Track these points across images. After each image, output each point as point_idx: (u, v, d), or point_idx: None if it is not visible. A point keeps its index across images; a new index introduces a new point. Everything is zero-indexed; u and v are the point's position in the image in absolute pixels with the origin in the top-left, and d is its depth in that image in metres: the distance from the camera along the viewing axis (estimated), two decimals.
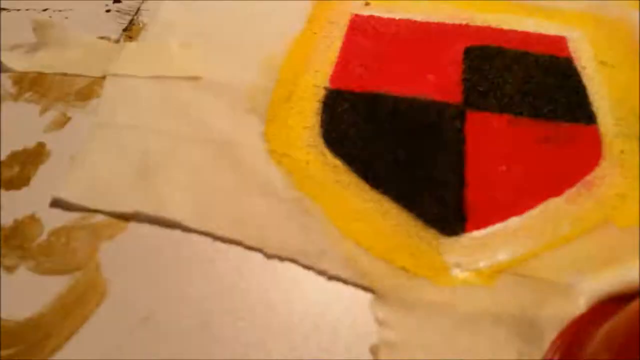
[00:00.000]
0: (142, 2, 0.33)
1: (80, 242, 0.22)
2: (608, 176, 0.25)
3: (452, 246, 0.22)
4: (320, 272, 0.22)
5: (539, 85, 0.29)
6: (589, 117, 0.28)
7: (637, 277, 0.21)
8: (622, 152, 0.26)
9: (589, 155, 0.26)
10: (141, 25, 0.32)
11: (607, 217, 0.23)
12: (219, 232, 0.22)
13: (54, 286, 0.21)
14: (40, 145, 0.26)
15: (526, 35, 0.32)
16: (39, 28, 0.30)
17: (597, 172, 0.25)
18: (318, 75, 0.29)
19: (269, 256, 0.22)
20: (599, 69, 0.30)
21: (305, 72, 0.29)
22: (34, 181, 0.24)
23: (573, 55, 0.31)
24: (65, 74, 0.29)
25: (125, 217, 0.23)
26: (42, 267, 0.21)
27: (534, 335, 0.20)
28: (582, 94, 0.29)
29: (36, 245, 0.22)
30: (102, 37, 0.31)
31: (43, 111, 0.27)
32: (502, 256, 0.22)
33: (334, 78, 0.29)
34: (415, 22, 0.33)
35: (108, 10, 0.33)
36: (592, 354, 0.19)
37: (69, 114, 0.27)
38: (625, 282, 0.21)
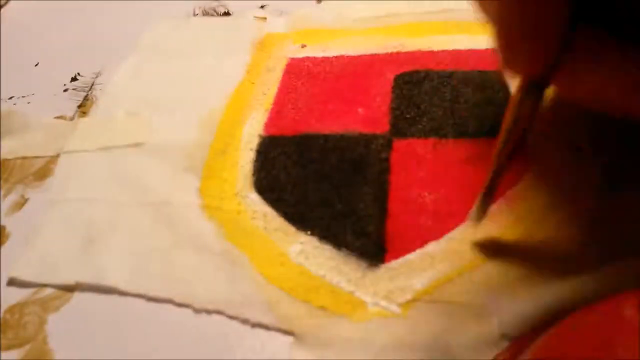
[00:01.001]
0: (96, 78, 0.36)
1: (31, 317, 0.24)
2: (531, 188, 0.25)
3: (370, 279, 0.23)
4: (244, 321, 0.23)
5: (466, 104, 0.30)
6: None
7: (551, 294, 0.21)
8: (548, 160, 0.26)
9: (513, 169, 0.26)
10: (94, 99, 0.34)
11: (527, 232, 0.24)
12: (151, 293, 0.24)
13: None
14: (2, 229, 0.28)
15: (456, 54, 0.33)
16: (2, 118, 0.33)
17: (521, 185, 0.25)
18: (254, 124, 0.31)
19: (197, 310, 0.23)
20: None
21: (241, 123, 0.31)
22: None
23: None
24: (25, 157, 0.31)
25: (69, 289, 0.25)
26: None
27: None
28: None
29: None
30: (59, 117, 0.34)
31: (5, 195, 0.30)
32: (418, 284, 0.23)
33: (267, 125, 0.30)
34: (347, 57, 0.34)
35: (66, 90, 0.35)
36: None
37: (27, 195, 0.29)
38: (540, 303, 0.21)
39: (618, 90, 0.19)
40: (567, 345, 0.17)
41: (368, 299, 0.23)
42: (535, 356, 0.18)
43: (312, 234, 0.25)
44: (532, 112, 0.21)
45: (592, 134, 0.26)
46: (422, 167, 0.27)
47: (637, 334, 0.15)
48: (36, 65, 0.38)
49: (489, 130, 0.28)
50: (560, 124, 0.27)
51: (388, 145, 0.28)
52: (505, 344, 0.21)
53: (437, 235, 0.24)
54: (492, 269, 0.23)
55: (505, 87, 0.30)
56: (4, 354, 0.23)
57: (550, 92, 0.28)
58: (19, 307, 0.25)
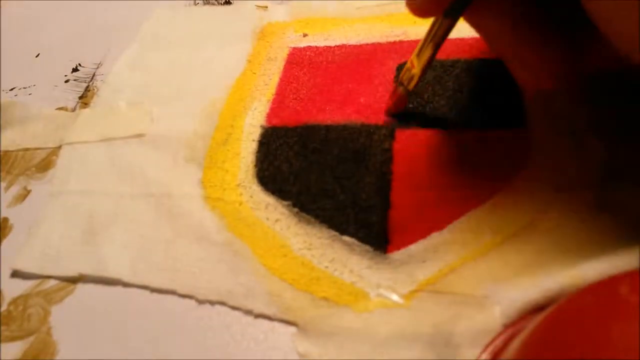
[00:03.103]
0: (97, 68, 0.36)
1: (35, 309, 0.24)
2: (535, 178, 0.25)
3: (373, 270, 0.23)
4: (247, 312, 0.23)
5: (469, 93, 0.29)
6: (519, 118, 0.28)
7: (553, 282, 0.21)
8: (552, 149, 0.26)
9: (516, 158, 0.26)
10: (95, 90, 0.34)
11: (532, 221, 0.24)
12: (154, 284, 0.24)
13: (10, 352, 0.23)
14: (5, 221, 0.28)
15: (460, 42, 0.32)
16: (3, 110, 0.33)
17: (524, 174, 0.25)
18: (255, 115, 0.31)
19: (201, 302, 0.23)
20: None
21: (243, 113, 0.31)
22: None
23: None
24: (27, 149, 0.31)
25: (72, 280, 0.25)
26: (3, 336, 0.24)
27: (449, 352, 0.20)
28: (513, 95, 0.29)
29: None
30: (60, 108, 0.33)
31: (7, 187, 0.30)
32: (421, 274, 0.23)
33: (269, 115, 0.30)
34: (349, 46, 0.33)
35: (67, 81, 0.35)
36: None
37: (29, 187, 0.29)
38: (542, 290, 0.21)
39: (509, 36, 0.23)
40: (564, 325, 0.17)
41: (371, 289, 0.23)
42: (534, 336, 0.18)
43: (314, 225, 0.25)
44: (445, 34, 0.24)
45: (593, 122, 0.26)
46: (424, 157, 0.27)
47: (632, 313, 0.15)
48: (37, 56, 0.38)
49: (493, 120, 0.28)
50: (560, 112, 0.27)
51: (390, 136, 0.28)
52: None
53: (440, 225, 0.24)
54: (494, 259, 0.23)
55: (509, 76, 0.30)
56: (9, 346, 0.23)
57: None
58: (22, 299, 0.25)
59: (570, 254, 0.21)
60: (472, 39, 0.32)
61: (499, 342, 0.20)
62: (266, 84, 0.32)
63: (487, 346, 0.20)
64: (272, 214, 0.26)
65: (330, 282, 0.23)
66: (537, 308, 0.21)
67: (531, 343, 0.18)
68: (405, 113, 0.29)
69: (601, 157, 0.24)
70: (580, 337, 0.16)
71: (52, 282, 0.25)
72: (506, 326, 0.21)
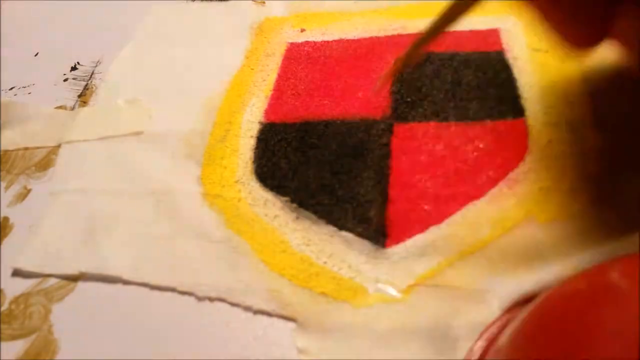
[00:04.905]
0: (96, 66, 0.36)
1: (36, 307, 0.24)
2: (533, 170, 0.25)
3: (371, 265, 0.23)
4: (246, 308, 0.23)
5: (468, 86, 0.29)
6: (517, 111, 0.27)
7: (551, 274, 0.21)
8: (549, 141, 0.26)
9: (514, 151, 0.26)
10: (94, 88, 0.34)
11: (528, 214, 0.24)
12: (154, 282, 0.24)
13: (12, 351, 0.23)
14: (5, 220, 0.28)
15: (458, 35, 0.32)
16: (3, 109, 0.33)
17: (522, 167, 0.25)
18: (254, 111, 0.31)
19: (200, 298, 0.23)
20: (532, 58, 0.30)
21: (241, 110, 0.31)
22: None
23: (505, 47, 0.31)
24: (26, 148, 0.31)
25: (73, 278, 0.25)
26: (4, 335, 0.24)
27: (447, 346, 0.20)
28: (511, 88, 0.29)
29: None
30: (59, 107, 0.34)
31: (8, 187, 0.30)
32: (419, 269, 0.23)
33: (267, 111, 0.30)
34: (347, 40, 0.33)
35: (66, 79, 0.35)
36: (496, 353, 0.19)
37: (29, 186, 0.30)
38: (539, 282, 0.21)
39: None
40: (556, 311, 0.17)
41: (369, 284, 0.23)
42: (527, 322, 0.19)
43: (313, 220, 0.25)
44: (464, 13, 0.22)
45: (597, 115, 0.26)
46: (422, 151, 0.27)
47: (623, 298, 0.15)
48: (36, 55, 0.38)
49: (491, 113, 0.28)
50: (563, 104, 0.27)
51: (389, 130, 0.28)
52: None
53: (437, 219, 0.24)
54: (492, 252, 0.23)
55: (507, 68, 0.30)
56: (10, 344, 0.23)
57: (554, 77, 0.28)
58: (24, 298, 0.25)
59: (567, 246, 0.21)
60: (470, 31, 0.32)
61: (494, 328, 0.20)
62: (264, 80, 0.32)
63: (482, 332, 0.20)
64: (270, 210, 0.26)
65: (329, 277, 0.23)
66: (533, 297, 0.21)
67: (525, 329, 0.18)
68: (404, 106, 0.29)
69: (600, 148, 0.24)
70: (572, 323, 0.16)
71: (53, 281, 0.25)
72: (502, 313, 0.21)
